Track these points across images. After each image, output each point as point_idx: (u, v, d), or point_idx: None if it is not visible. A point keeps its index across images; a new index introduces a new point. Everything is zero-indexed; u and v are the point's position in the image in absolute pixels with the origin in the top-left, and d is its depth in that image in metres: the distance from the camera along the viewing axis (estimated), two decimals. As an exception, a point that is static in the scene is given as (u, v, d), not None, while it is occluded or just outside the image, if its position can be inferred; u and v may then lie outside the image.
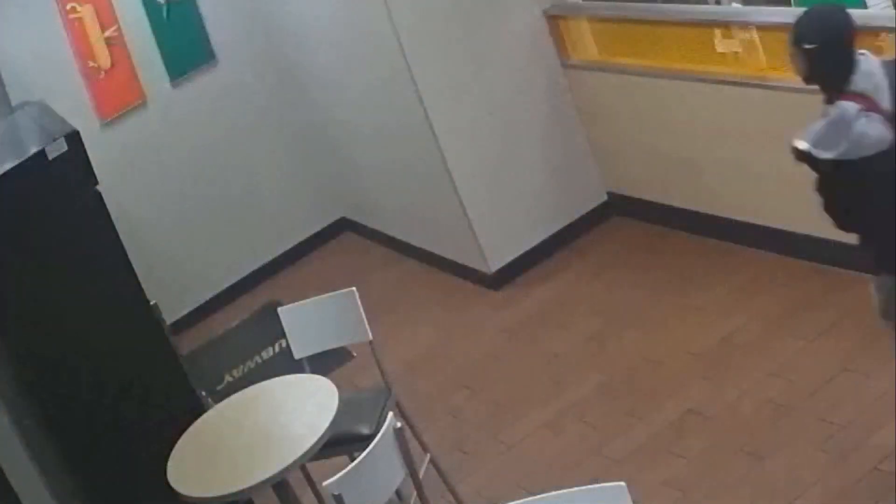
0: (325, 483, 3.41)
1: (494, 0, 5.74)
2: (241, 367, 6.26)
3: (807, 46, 3.28)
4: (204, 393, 5.54)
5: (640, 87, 5.52)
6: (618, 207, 6.10)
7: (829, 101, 3.32)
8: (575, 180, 6.06)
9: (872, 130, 3.22)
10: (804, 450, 4.02)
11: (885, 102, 3.25)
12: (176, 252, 6.95)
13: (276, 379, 4.34)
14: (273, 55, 7.00)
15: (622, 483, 2.74)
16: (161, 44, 6.72)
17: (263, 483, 3.70)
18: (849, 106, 3.22)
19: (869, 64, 3.29)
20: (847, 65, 3.26)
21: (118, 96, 6.67)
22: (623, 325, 5.23)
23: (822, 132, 3.27)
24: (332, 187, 7.33)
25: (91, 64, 6.57)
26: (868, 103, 3.23)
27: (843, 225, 3.49)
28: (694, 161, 5.43)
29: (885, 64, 3.34)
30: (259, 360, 6.26)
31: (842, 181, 3.33)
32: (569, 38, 5.90)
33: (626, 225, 6.02)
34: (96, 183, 4.42)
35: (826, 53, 3.27)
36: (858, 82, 3.26)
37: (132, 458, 4.42)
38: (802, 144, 3.31)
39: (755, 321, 4.83)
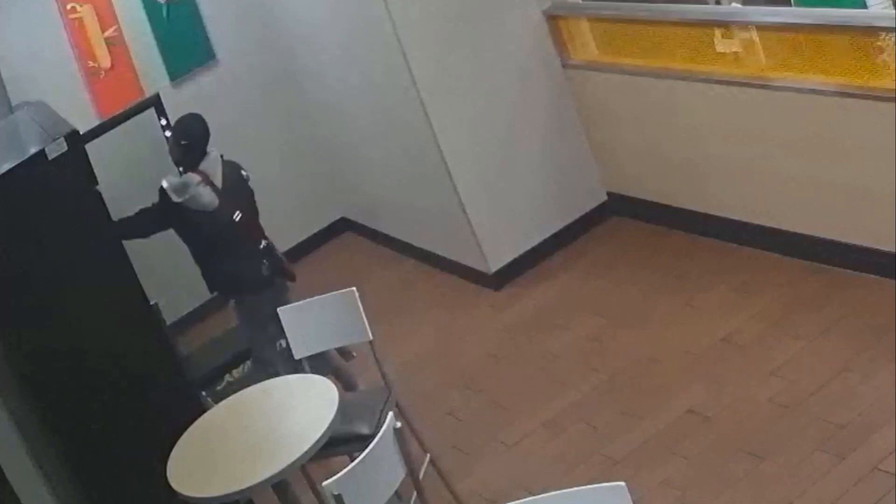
0: (325, 483, 3.40)
1: (494, 0, 5.74)
2: (241, 367, 6.25)
3: (183, 143, 5.02)
4: (204, 393, 5.55)
5: (640, 87, 5.52)
6: (618, 207, 6.10)
7: (187, 171, 5.00)
8: (575, 180, 6.06)
9: (204, 196, 4.94)
10: (804, 450, 4.01)
11: (218, 182, 4.99)
12: (176, 252, 6.90)
13: (277, 379, 4.35)
14: (273, 55, 7.00)
15: (622, 483, 2.74)
16: (161, 44, 6.72)
17: (263, 483, 3.70)
18: (193, 176, 4.95)
19: (215, 153, 5.05)
20: (202, 153, 5.01)
21: (118, 96, 6.66)
22: (623, 325, 5.22)
23: (176, 184, 4.96)
24: (332, 187, 7.32)
25: (91, 64, 6.57)
26: (206, 178, 4.96)
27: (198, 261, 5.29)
28: (694, 161, 5.43)
29: (226, 163, 5.11)
30: (259, 360, 6.24)
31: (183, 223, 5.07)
32: (569, 38, 5.90)
33: (626, 225, 6.02)
34: (96, 183, 4.42)
35: (193, 146, 5.00)
36: (204, 164, 4.99)
37: (132, 458, 4.42)
38: (165, 184, 4.95)
39: (755, 321, 4.82)
